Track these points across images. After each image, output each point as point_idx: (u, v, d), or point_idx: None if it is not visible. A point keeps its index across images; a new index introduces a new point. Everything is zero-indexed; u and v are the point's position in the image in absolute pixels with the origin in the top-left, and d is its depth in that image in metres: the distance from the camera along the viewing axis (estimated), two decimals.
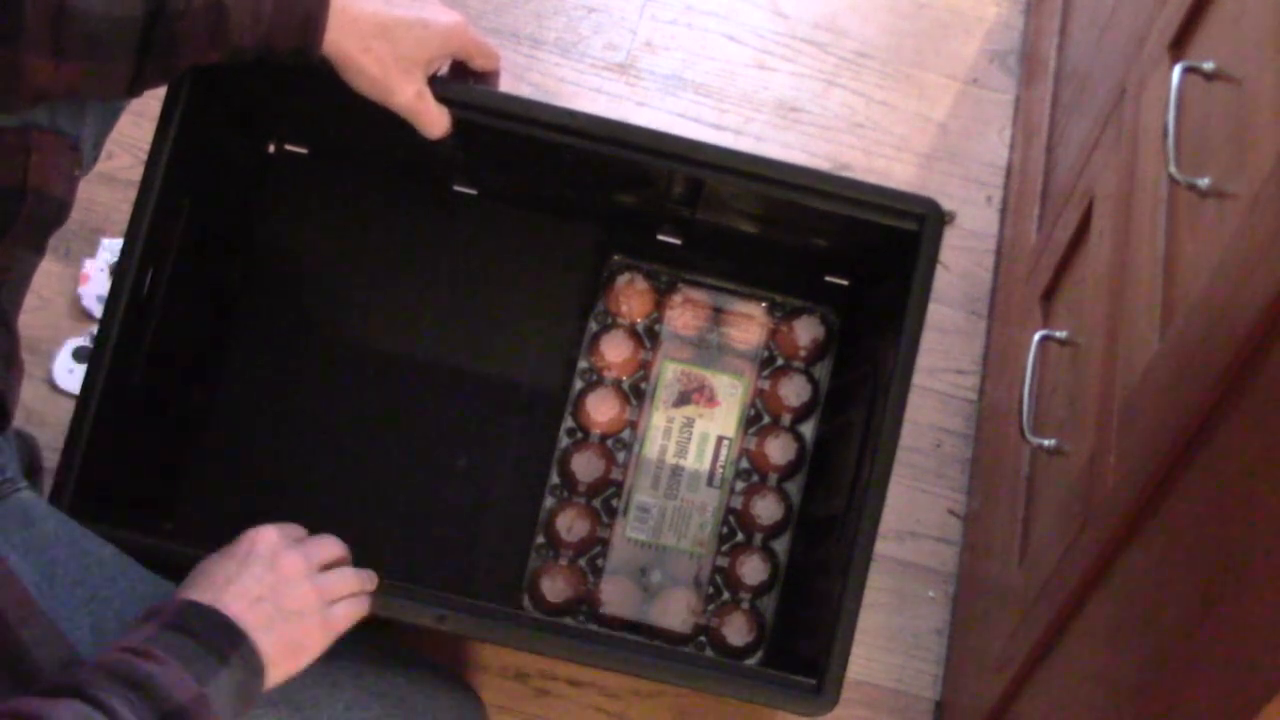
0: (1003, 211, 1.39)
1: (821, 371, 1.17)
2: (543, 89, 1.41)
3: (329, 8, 0.86)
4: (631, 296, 1.17)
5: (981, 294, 1.36)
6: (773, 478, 1.15)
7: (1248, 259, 0.69)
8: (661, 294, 1.18)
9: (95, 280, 1.28)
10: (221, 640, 0.76)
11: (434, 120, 0.93)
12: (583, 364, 1.16)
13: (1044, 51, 1.35)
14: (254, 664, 0.77)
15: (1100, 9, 1.18)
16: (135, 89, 0.85)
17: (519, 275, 1.16)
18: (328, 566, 0.87)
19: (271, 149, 1.14)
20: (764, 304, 1.18)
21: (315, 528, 1.08)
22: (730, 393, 1.17)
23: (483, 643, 1.18)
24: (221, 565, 0.82)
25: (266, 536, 0.84)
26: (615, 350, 1.16)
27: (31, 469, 1.12)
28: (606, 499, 1.14)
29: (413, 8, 0.89)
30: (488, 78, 0.97)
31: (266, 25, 0.84)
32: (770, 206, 1.02)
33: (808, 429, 1.16)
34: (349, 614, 0.86)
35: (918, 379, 1.28)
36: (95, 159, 0.92)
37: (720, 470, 1.15)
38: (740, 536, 1.14)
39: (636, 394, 1.16)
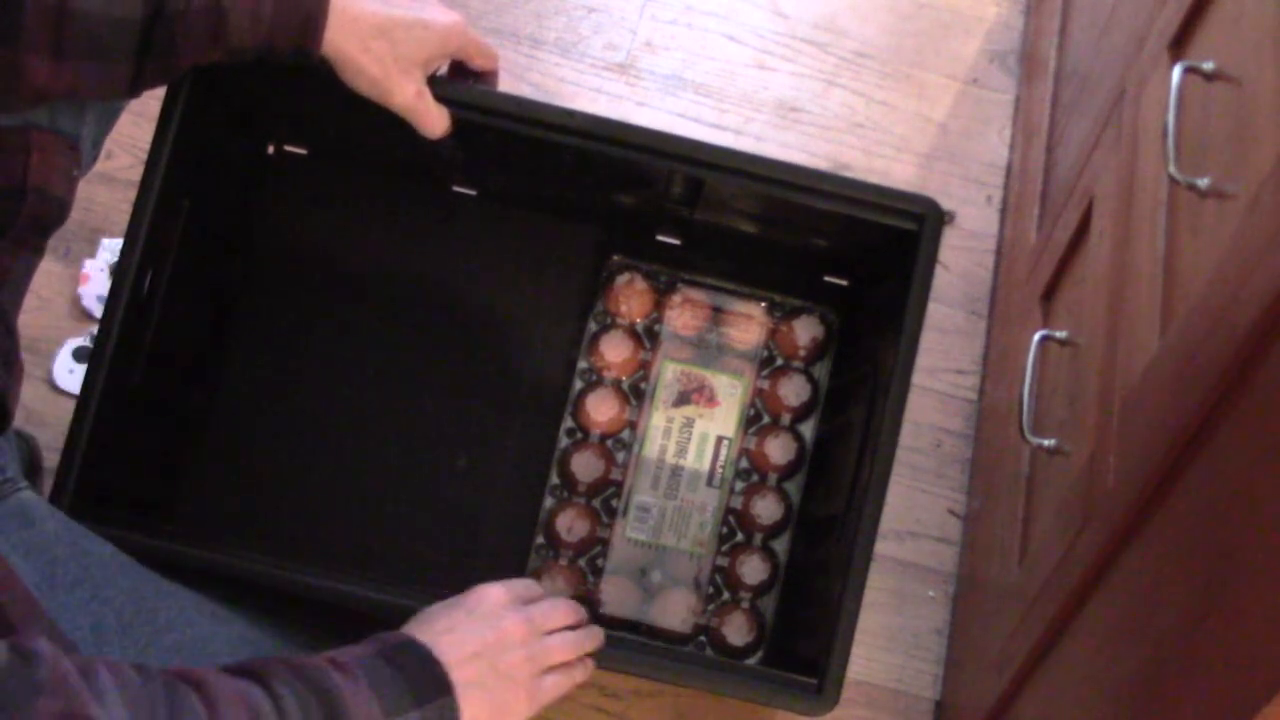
0: (1003, 211, 1.39)
1: (821, 371, 1.17)
2: (543, 89, 1.41)
3: (328, 8, 0.86)
4: (631, 297, 1.17)
5: (981, 294, 1.36)
6: (772, 477, 1.15)
7: (1248, 259, 0.69)
8: (661, 294, 1.18)
9: (95, 280, 1.28)
10: (425, 683, 0.76)
11: (434, 120, 0.93)
12: (582, 364, 1.16)
13: (1044, 51, 1.35)
14: (448, 716, 0.76)
15: (1100, 9, 1.18)
16: (135, 89, 0.85)
17: (518, 276, 1.16)
18: (553, 631, 0.86)
19: (271, 149, 1.14)
20: (763, 304, 1.18)
21: (315, 527, 1.08)
22: (730, 393, 1.17)
23: None
24: (445, 614, 0.82)
25: (495, 595, 0.84)
26: (615, 350, 1.16)
27: (31, 469, 1.12)
28: (606, 499, 1.14)
29: (412, 8, 0.89)
30: (487, 78, 0.97)
31: (266, 26, 0.84)
32: (770, 206, 1.02)
33: (807, 429, 1.16)
34: (559, 685, 0.85)
35: (918, 379, 1.28)
36: (94, 159, 0.92)
37: (720, 470, 1.15)
38: (740, 536, 1.14)
39: (636, 394, 1.16)
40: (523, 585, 0.88)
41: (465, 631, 0.81)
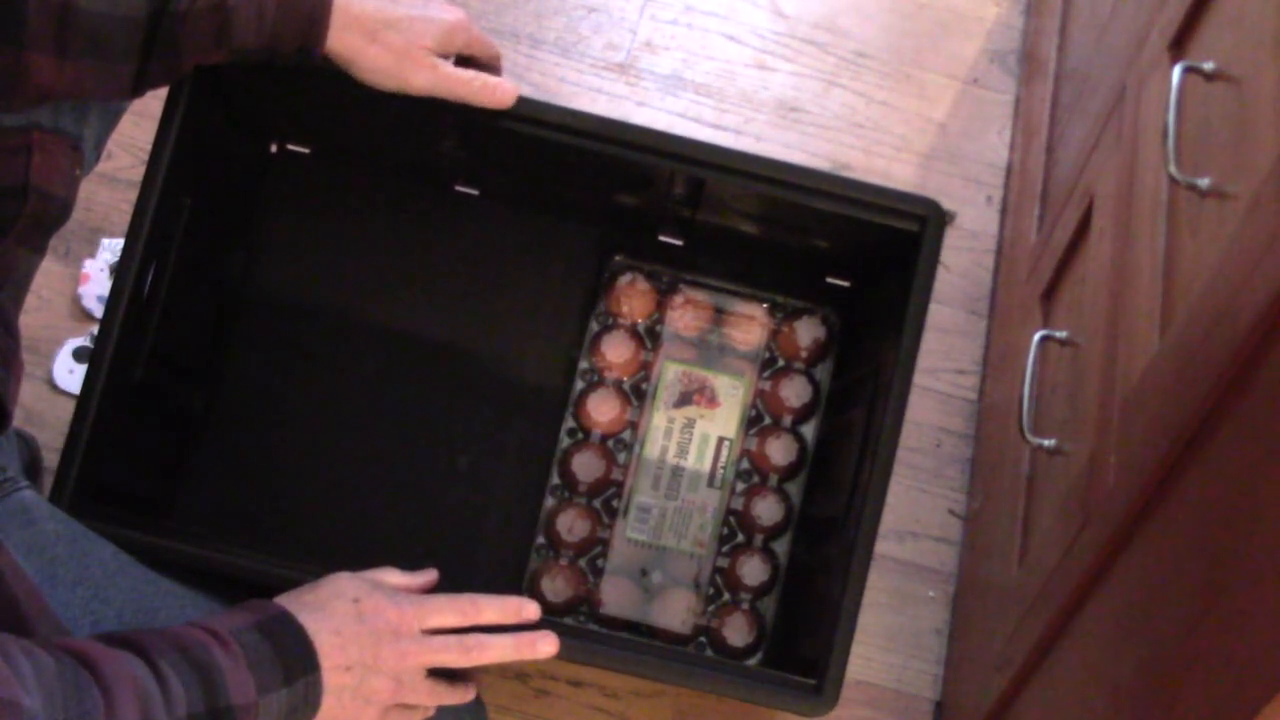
0: (1003, 211, 1.39)
1: (822, 372, 1.17)
2: (543, 89, 1.41)
3: (331, 8, 0.86)
4: (633, 297, 1.17)
5: (981, 294, 1.36)
6: (773, 479, 1.15)
7: (1248, 259, 0.69)
8: (663, 294, 1.18)
9: (95, 280, 1.28)
10: (297, 663, 0.77)
11: (466, 80, 0.91)
12: (584, 364, 1.16)
13: (1044, 51, 1.36)
14: (312, 701, 0.78)
15: (1100, 9, 1.18)
16: (139, 89, 0.85)
17: (520, 276, 1.16)
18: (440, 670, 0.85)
19: (273, 149, 1.14)
20: (765, 305, 1.18)
21: (315, 527, 1.08)
22: (731, 393, 1.17)
23: None
24: (342, 610, 0.81)
25: (401, 618, 0.82)
26: (616, 351, 1.16)
27: (31, 469, 1.12)
28: (607, 499, 1.14)
29: (415, 4, 0.89)
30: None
31: (270, 26, 0.84)
32: (771, 207, 1.02)
33: (809, 430, 1.16)
34: None
35: (918, 379, 1.28)
36: (96, 159, 0.92)
37: (721, 471, 1.15)
38: (740, 537, 1.14)
39: (637, 394, 1.16)
40: (440, 609, 0.84)
41: (352, 640, 0.80)
